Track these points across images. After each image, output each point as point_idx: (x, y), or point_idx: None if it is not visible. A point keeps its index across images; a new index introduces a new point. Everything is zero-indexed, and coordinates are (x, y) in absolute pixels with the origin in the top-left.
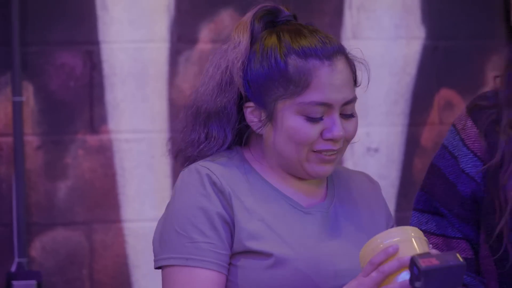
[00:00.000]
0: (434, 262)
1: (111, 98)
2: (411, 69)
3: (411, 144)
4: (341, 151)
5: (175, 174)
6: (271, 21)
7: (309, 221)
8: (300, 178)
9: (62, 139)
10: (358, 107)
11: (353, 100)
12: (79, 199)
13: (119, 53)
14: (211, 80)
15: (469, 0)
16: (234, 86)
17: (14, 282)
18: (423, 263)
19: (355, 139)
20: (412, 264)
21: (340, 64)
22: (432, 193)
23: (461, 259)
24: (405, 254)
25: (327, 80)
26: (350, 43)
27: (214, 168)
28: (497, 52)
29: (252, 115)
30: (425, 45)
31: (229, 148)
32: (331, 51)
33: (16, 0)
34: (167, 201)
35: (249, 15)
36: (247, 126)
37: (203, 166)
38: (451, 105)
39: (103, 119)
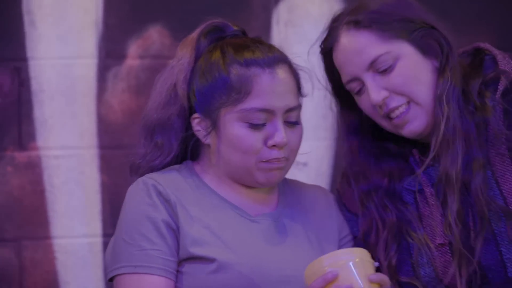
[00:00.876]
0: None
1: (39, 115)
2: None
3: (340, 158)
4: (289, 159)
5: (104, 190)
6: (219, 37)
7: (255, 229)
8: (249, 187)
9: None
10: None
11: (296, 107)
12: (8, 216)
13: (47, 69)
14: (157, 95)
15: None
16: (179, 99)
17: None
18: None
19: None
20: None
21: (281, 72)
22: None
23: None
24: (345, 279)
25: (268, 87)
26: None
27: (160, 178)
28: None
29: (199, 125)
30: None
31: (180, 162)
32: (272, 60)
33: None
34: (97, 217)
35: (197, 31)
36: (197, 139)
37: (150, 177)
38: None
39: (32, 136)
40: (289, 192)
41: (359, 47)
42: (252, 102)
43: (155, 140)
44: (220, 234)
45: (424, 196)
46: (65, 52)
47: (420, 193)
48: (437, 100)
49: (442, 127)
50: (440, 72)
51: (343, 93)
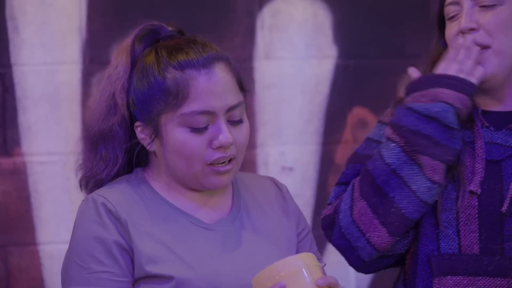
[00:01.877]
0: None
1: (24, 121)
2: (324, 88)
3: (326, 163)
4: (236, 160)
5: None
6: (154, 39)
7: (211, 238)
8: (200, 191)
9: None
10: (271, 127)
11: (237, 105)
12: None
13: (31, 75)
14: (98, 106)
15: (380, 19)
16: (119, 109)
17: None
18: None
19: (271, 158)
20: None
21: (219, 71)
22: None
23: None
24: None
25: (206, 88)
26: (262, 63)
27: (110, 195)
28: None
29: (142, 133)
30: (337, 64)
31: (129, 171)
32: (207, 59)
33: None
34: None
35: (131, 37)
36: (143, 146)
37: (99, 195)
38: (365, 123)
39: (16, 142)
40: (242, 191)
41: None
42: (191, 106)
43: (99, 152)
44: (175, 249)
45: (473, 148)
46: (49, 58)
47: (470, 145)
48: None
49: None
50: None
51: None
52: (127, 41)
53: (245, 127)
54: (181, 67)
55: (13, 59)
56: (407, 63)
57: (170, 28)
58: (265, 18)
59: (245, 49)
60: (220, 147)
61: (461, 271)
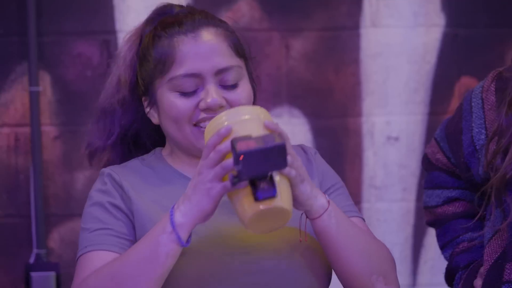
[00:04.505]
0: (252, 145)
1: None
2: (431, 57)
3: (432, 133)
4: None
5: None
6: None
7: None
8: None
9: (79, 129)
10: (377, 96)
11: (228, 68)
12: None
13: None
14: (108, 85)
15: None
16: (122, 87)
17: (33, 274)
18: (239, 147)
19: (376, 128)
20: (232, 147)
21: (206, 35)
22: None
23: (279, 140)
24: (240, 131)
25: (191, 51)
26: (369, 31)
27: (117, 168)
28: None
29: (147, 107)
30: (444, 32)
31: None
32: (194, 24)
33: None
34: None
35: (143, 20)
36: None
37: (109, 168)
38: None
39: None
40: None
41: None
42: (178, 70)
43: (98, 125)
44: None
45: None
46: None
47: None
48: None
49: None
50: None
51: None
52: (138, 24)
53: (241, 91)
54: (171, 34)
55: (118, 26)
56: None
57: (177, 9)
58: None
59: (351, 17)
60: (208, 109)
61: None
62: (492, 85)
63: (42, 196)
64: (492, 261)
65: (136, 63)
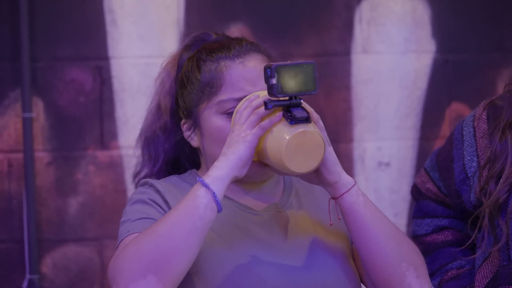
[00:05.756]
0: (285, 62)
1: (121, 114)
2: (422, 83)
3: (423, 158)
4: None
5: None
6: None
7: (256, 222)
8: (247, 182)
9: (72, 155)
10: (368, 122)
11: None
12: (90, 215)
13: (129, 68)
14: (148, 113)
15: (479, 13)
16: (163, 114)
17: None
18: (274, 63)
19: (367, 153)
20: (267, 68)
21: (252, 61)
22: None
23: (310, 61)
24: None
25: (240, 75)
26: (360, 57)
27: (159, 182)
28: (508, 65)
29: (187, 130)
30: (435, 58)
31: (179, 172)
32: (241, 50)
33: (25, 15)
34: None
35: (179, 48)
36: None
37: (150, 180)
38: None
39: (113, 135)
40: (296, 183)
41: None
42: (226, 93)
43: (145, 152)
44: (216, 228)
45: None
46: (146, 51)
47: None
48: None
49: None
50: None
51: None
52: (176, 52)
53: None
54: (218, 59)
55: (111, 52)
56: (507, 57)
57: (214, 36)
58: (363, 11)
59: (342, 43)
60: None
61: None
62: (484, 113)
63: (35, 221)
64: (483, 286)
65: (175, 88)
